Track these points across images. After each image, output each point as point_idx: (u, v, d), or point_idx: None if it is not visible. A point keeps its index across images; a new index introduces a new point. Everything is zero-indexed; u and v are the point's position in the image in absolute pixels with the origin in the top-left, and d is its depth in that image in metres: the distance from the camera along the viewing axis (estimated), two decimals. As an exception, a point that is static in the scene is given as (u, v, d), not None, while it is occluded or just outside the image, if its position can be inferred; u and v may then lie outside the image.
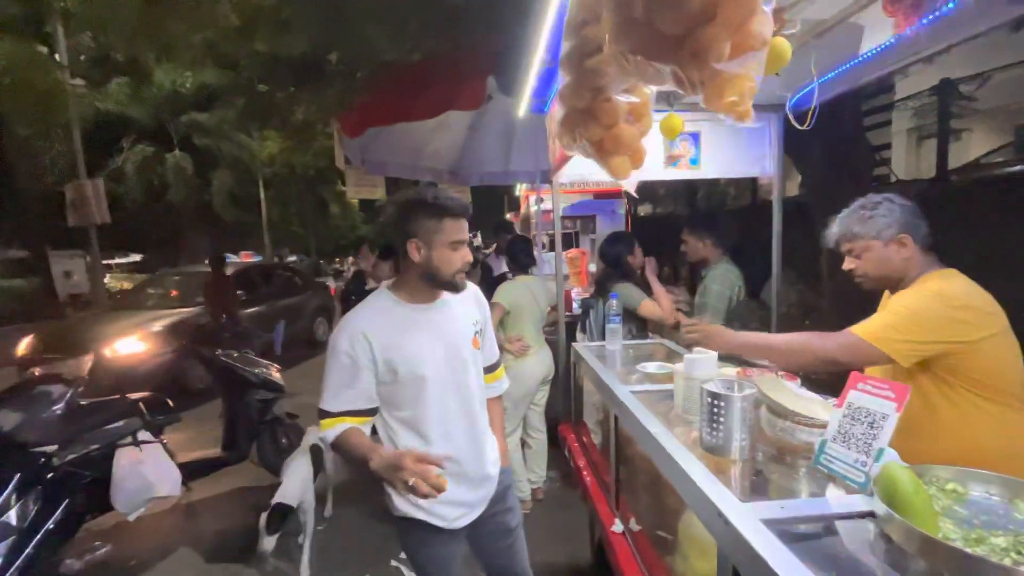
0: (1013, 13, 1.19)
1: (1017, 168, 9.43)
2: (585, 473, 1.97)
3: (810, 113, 1.58)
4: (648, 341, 2.50)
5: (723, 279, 2.55)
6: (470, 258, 1.33)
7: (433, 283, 1.33)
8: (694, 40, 0.85)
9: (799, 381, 1.27)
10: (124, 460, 2.30)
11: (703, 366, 1.27)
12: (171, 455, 3.07)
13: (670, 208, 16.31)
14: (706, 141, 2.34)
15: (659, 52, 0.92)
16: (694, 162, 2.34)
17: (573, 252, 5.02)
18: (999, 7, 1.20)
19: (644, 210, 15.67)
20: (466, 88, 2.32)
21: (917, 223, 1.38)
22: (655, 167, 2.33)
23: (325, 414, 1.31)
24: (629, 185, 1.42)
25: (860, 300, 4.56)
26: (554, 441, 3.17)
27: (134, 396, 2.93)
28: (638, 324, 2.81)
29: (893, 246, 1.38)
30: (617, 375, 1.82)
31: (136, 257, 23.46)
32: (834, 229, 1.50)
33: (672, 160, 1.88)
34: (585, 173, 2.26)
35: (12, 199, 11.12)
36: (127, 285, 16.49)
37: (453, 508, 1.37)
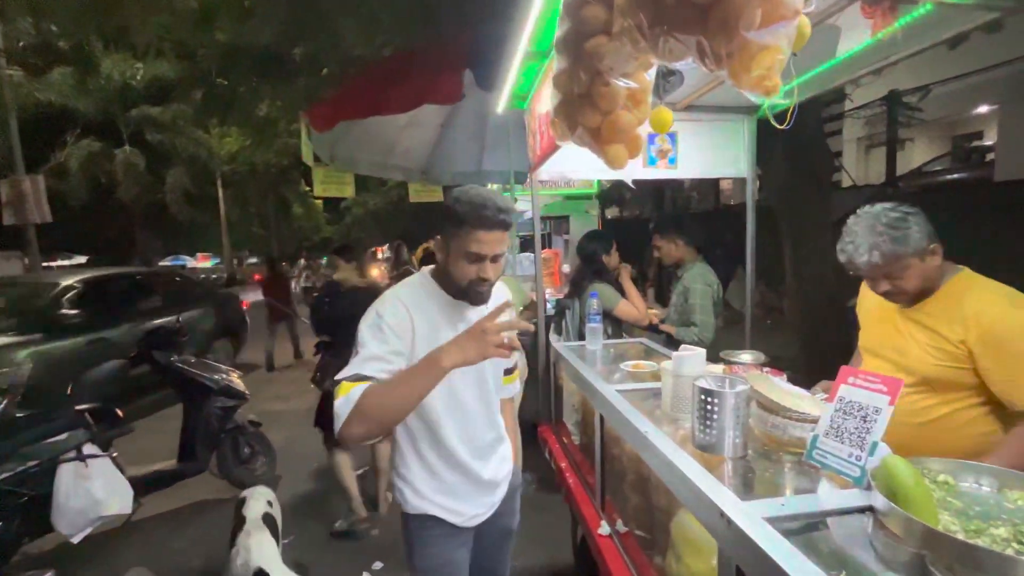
0: (986, 17, 1.24)
1: (955, 176, 10.11)
2: (568, 475, 1.94)
3: (789, 113, 1.61)
4: (628, 340, 2.50)
5: (703, 278, 2.59)
6: (490, 275, 1.21)
7: (450, 281, 1.25)
8: (722, 7, 0.81)
9: (785, 376, 1.28)
10: (68, 477, 2.10)
11: (692, 363, 1.25)
12: (121, 469, 2.86)
13: (636, 211, 16.68)
14: (683, 141, 2.36)
15: (683, 22, 0.86)
16: (672, 161, 2.35)
17: (546, 253, 5.02)
18: (972, 11, 1.24)
19: (611, 212, 15.95)
20: (442, 81, 2.26)
21: (931, 228, 1.32)
22: (635, 166, 2.32)
23: (354, 378, 1.11)
24: (626, 175, 1.37)
25: (820, 301, 4.70)
26: (528, 443, 3.16)
27: (80, 407, 2.71)
28: (614, 324, 2.81)
29: (928, 258, 1.31)
30: (600, 374, 1.80)
31: (81, 259, 22.09)
32: (861, 257, 1.34)
33: (662, 155, 1.85)
34: (567, 169, 2.24)
35: (-63, 195, 10.21)
36: (71, 288, 15.44)
37: (471, 506, 1.33)
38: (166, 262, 27.61)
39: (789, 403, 1.09)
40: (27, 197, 9.95)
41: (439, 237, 1.25)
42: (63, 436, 2.24)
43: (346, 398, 1.06)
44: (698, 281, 2.61)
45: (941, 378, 1.31)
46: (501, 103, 2.16)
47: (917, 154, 11.78)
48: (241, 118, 5.05)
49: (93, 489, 2.09)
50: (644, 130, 2.35)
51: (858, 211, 1.41)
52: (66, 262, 20.56)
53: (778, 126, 1.73)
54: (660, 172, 2.36)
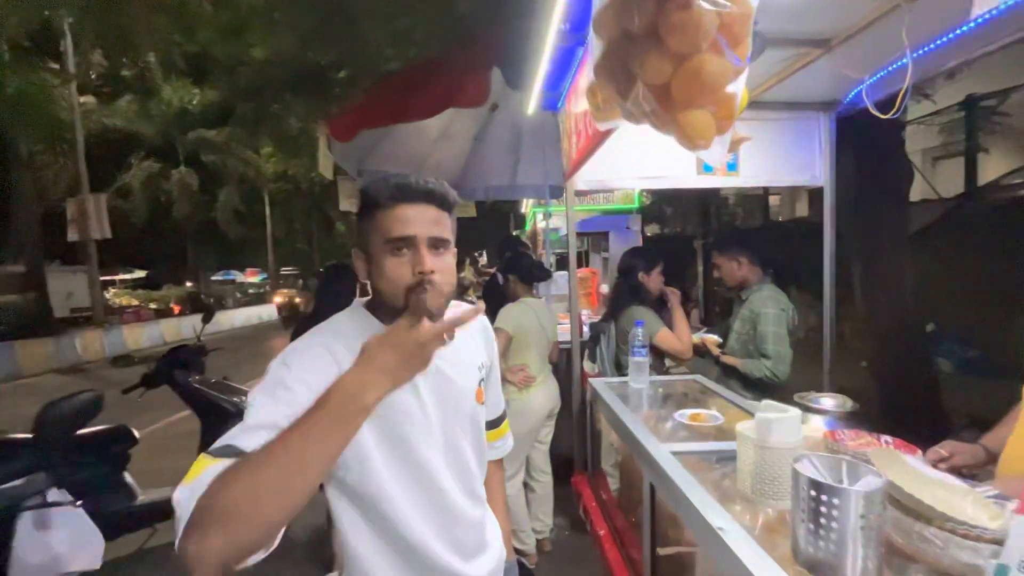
0: None
1: (1041, 189, 9.08)
2: (607, 544, 1.58)
3: (900, 97, 1.25)
4: (678, 377, 2.14)
5: (774, 301, 2.20)
6: (430, 265, 0.82)
7: (383, 315, 0.88)
8: None
9: (920, 453, 0.91)
10: (27, 527, 1.86)
11: (784, 429, 0.91)
12: (134, 493, 2.70)
13: (678, 228, 16.05)
14: (747, 143, 2.01)
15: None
16: (731, 167, 2.01)
17: (583, 272, 4.68)
18: None
19: (651, 230, 15.40)
20: (468, 83, 2.03)
21: None
22: (686, 174, 2.01)
23: (218, 452, 0.68)
24: (712, 157, 0.97)
25: (895, 326, 4.14)
26: (560, 482, 2.80)
27: (89, 430, 2.59)
28: (654, 355, 2.47)
29: None
30: (648, 425, 1.46)
31: (141, 273, 23.44)
32: None
33: (733, 150, 1.49)
34: (607, 177, 1.93)
35: (14, 215, 11.05)
36: (133, 301, 16.31)
37: None
38: (217, 277, 28.97)
39: (946, 506, 0.73)
40: (90, 215, 10.60)
41: (355, 250, 0.89)
42: (19, 481, 1.95)
43: (189, 487, 0.63)
44: (769, 305, 2.21)
45: None
46: (532, 102, 1.90)
47: (991, 166, 10.73)
48: (273, 132, 5.06)
49: (55, 542, 1.84)
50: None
51: None
52: (126, 276, 21.85)
53: (880, 116, 1.38)
54: (718, 180, 2.02)
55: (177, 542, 0.60)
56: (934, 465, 1.16)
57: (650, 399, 1.84)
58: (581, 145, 1.60)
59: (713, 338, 2.51)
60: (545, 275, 2.95)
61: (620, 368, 2.63)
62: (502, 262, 4.54)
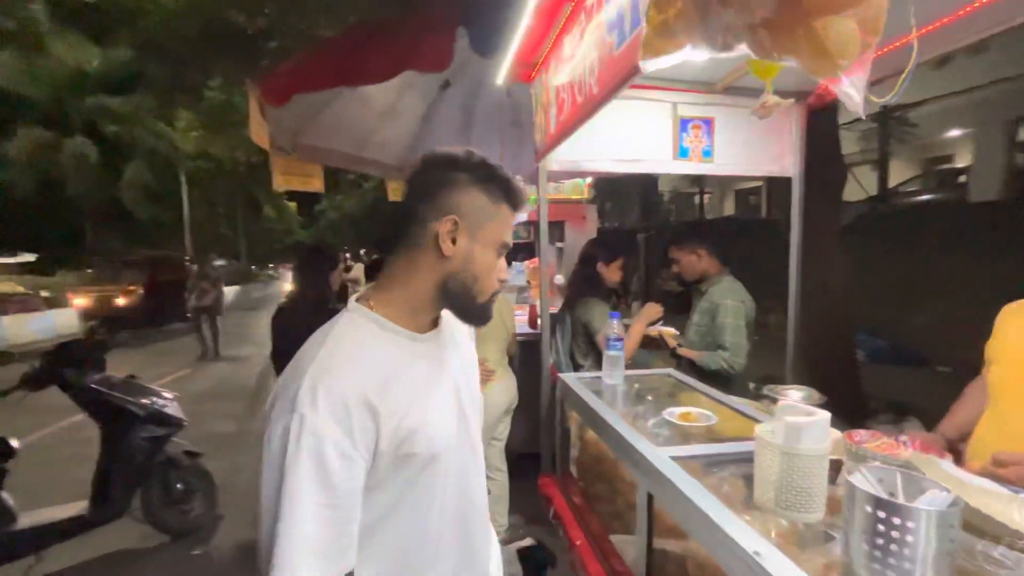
0: None
1: (930, 196, 10.19)
2: (585, 555, 1.46)
3: (899, 83, 1.20)
4: (652, 372, 2.06)
5: (733, 293, 2.19)
6: (505, 276, 0.83)
7: (454, 300, 0.78)
8: None
9: (951, 457, 0.85)
10: None
11: (815, 435, 0.81)
12: (13, 516, 2.25)
13: (617, 223, 16.50)
14: (720, 131, 1.95)
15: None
16: (707, 154, 1.94)
17: (534, 262, 4.56)
18: None
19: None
20: (428, 44, 1.80)
21: None
22: (662, 158, 1.91)
23: None
24: (854, 89, 0.72)
25: (824, 317, 4.39)
26: (516, 476, 2.74)
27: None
28: (595, 349, 2.43)
29: None
30: (635, 425, 1.34)
31: (30, 257, 20.52)
32: None
33: (766, 114, 1.32)
34: (580, 160, 1.79)
35: None
36: (17, 288, 14.17)
37: None
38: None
39: (1006, 518, 0.65)
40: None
41: (449, 218, 0.74)
42: None
43: None
44: (728, 297, 2.21)
45: None
46: (503, 70, 1.71)
47: (899, 172, 11.90)
48: (190, 102, 4.46)
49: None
50: (664, 120, 1.90)
51: None
52: (9, 259, 19.04)
53: (875, 100, 1.33)
54: (694, 166, 1.94)
55: None
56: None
57: (626, 395, 1.74)
58: (565, 117, 1.44)
59: (670, 331, 2.48)
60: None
61: (573, 359, 2.55)
62: None
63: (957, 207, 8.25)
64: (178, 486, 3.11)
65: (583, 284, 2.51)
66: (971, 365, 1.28)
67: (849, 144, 9.64)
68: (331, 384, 0.67)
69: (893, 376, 5.68)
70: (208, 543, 3.01)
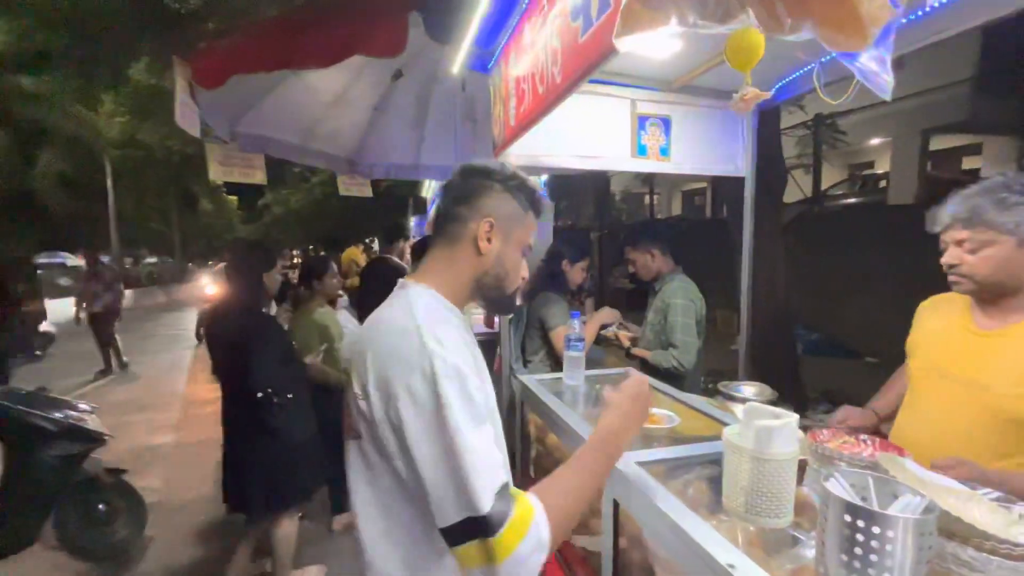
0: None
1: (856, 200, 10.98)
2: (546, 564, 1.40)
3: (854, 83, 1.22)
4: (611, 371, 2.04)
5: (684, 292, 2.22)
6: (526, 276, 0.94)
7: (487, 292, 0.89)
8: None
9: (909, 453, 0.86)
10: None
11: (785, 439, 0.79)
12: None
13: (570, 222, 16.71)
14: (677, 129, 1.96)
15: None
16: (664, 152, 1.94)
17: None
18: None
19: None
20: (379, 27, 1.68)
21: None
22: (621, 156, 1.89)
23: (490, 521, 0.67)
24: (876, 63, 0.70)
25: (769, 313, 4.61)
26: None
27: None
28: (549, 346, 2.41)
29: None
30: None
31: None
32: (950, 207, 1.09)
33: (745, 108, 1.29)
34: (540, 155, 1.73)
35: None
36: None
37: None
38: (42, 259, 23.71)
39: (973, 518, 0.65)
40: None
41: (487, 220, 0.85)
42: None
43: (534, 541, 0.68)
44: (679, 296, 2.23)
45: None
46: (459, 58, 1.62)
47: (830, 177, 12.75)
48: (112, 78, 4.03)
49: None
50: (623, 118, 1.88)
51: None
52: None
53: (831, 102, 1.36)
54: (652, 164, 1.94)
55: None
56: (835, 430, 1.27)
57: (587, 397, 1.70)
58: (525, 109, 1.38)
59: (625, 332, 2.48)
60: None
61: (524, 353, 2.52)
62: (388, 248, 4.16)
63: (878, 209, 8.93)
64: (99, 507, 2.82)
65: (546, 279, 2.47)
66: (896, 355, 1.38)
67: (787, 148, 10.23)
68: (447, 331, 0.76)
69: (827, 367, 6.05)
70: (134, 569, 2.75)
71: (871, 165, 13.38)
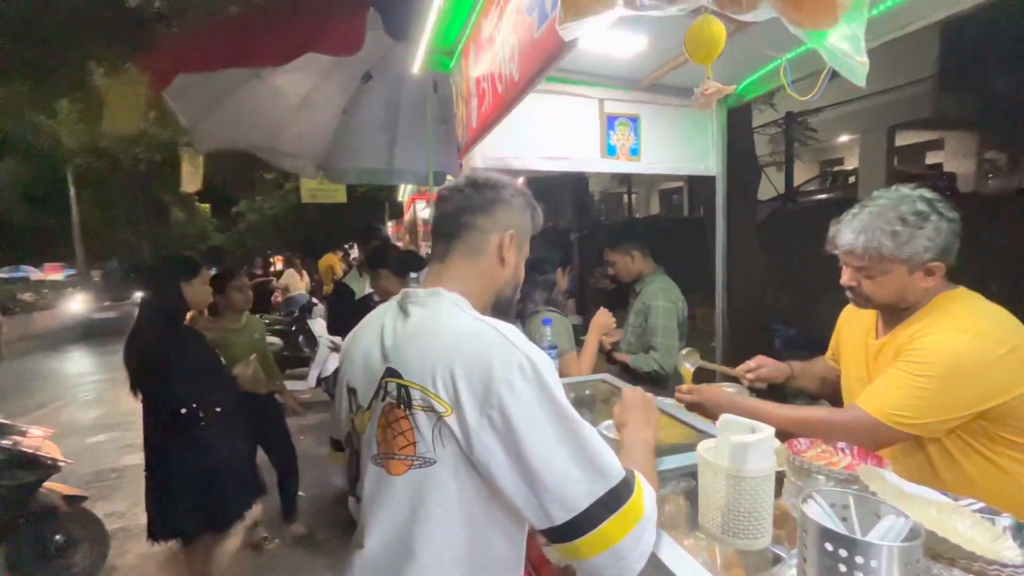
0: None
1: (827, 195, 11.24)
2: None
3: (821, 80, 1.20)
4: (586, 378, 1.98)
5: (665, 293, 2.17)
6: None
7: (502, 301, 0.92)
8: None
9: (890, 466, 0.82)
10: None
11: (761, 455, 0.74)
12: None
13: (550, 223, 16.72)
14: (647, 128, 1.92)
15: None
16: (634, 152, 1.90)
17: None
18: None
19: (529, 224, 15.74)
20: (334, 24, 1.60)
21: (952, 245, 1.05)
22: (590, 156, 1.85)
23: (625, 488, 0.70)
24: (847, 43, 0.66)
25: (745, 310, 4.64)
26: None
27: None
28: None
29: (919, 274, 1.06)
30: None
31: None
32: (847, 235, 1.12)
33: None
34: (506, 156, 1.68)
35: None
36: None
37: None
38: (2, 274, 22.70)
39: (957, 536, 0.61)
40: None
41: (511, 233, 0.89)
42: None
43: (649, 493, 0.74)
44: (659, 297, 2.18)
45: None
46: (419, 57, 1.56)
47: (803, 173, 13.01)
48: (68, 84, 3.84)
49: None
50: (592, 119, 1.85)
51: (894, 187, 1.13)
52: None
53: (799, 98, 1.33)
54: (621, 164, 1.90)
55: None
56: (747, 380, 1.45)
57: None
58: (486, 110, 1.32)
59: (607, 337, 2.38)
60: (420, 264, 2.61)
61: None
62: (364, 256, 4.00)
63: (849, 204, 9.11)
64: (56, 538, 2.65)
65: (538, 292, 2.14)
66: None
67: (760, 146, 10.40)
68: (511, 328, 0.76)
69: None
70: (95, 601, 2.59)
71: (841, 161, 13.70)
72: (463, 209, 0.88)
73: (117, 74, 3.60)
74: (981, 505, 0.71)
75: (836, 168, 13.59)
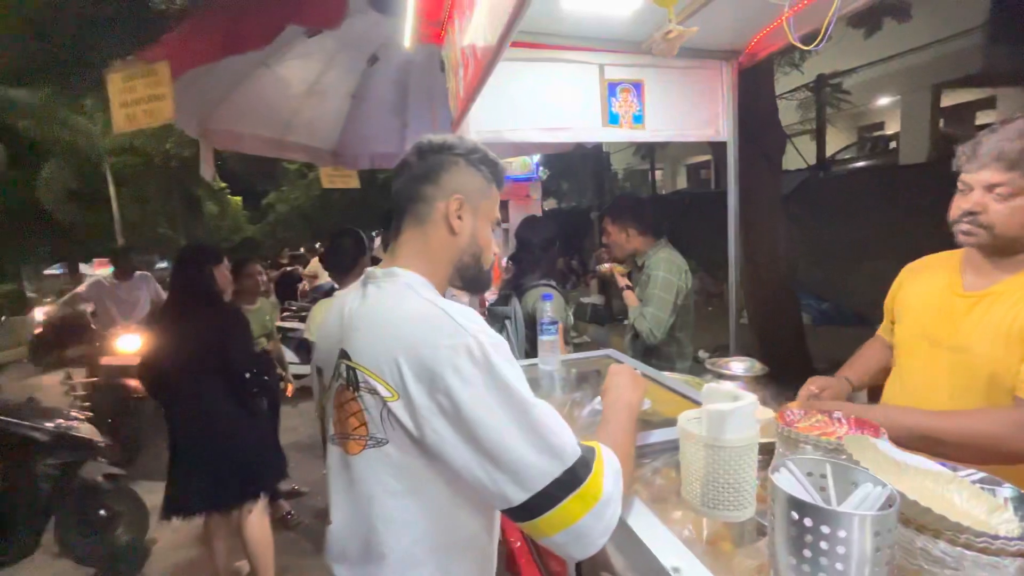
0: None
1: (866, 163, 10.64)
2: (521, 560, 1.35)
3: (823, 29, 1.11)
4: (591, 354, 1.95)
5: (668, 264, 2.06)
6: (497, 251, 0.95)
7: (466, 272, 0.86)
8: None
9: (884, 433, 0.77)
10: None
11: (740, 423, 0.71)
12: None
13: (574, 203, 16.47)
14: (650, 94, 1.84)
15: None
16: (637, 119, 1.83)
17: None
18: None
19: (548, 204, 15.61)
20: (316, -2, 1.58)
21: None
22: (591, 126, 1.78)
23: (582, 467, 0.68)
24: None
25: (772, 285, 4.45)
26: None
27: None
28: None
29: None
30: (572, 415, 1.23)
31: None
32: (991, 143, 0.93)
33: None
34: (502, 129, 1.63)
35: None
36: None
37: None
38: (53, 270, 24.04)
39: (946, 506, 0.56)
40: None
41: (456, 198, 0.82)
42: None
43: (612, 468, 0.72)
44: (661, 267, 2.05)
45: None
46: (407, 33, 1.52)
47: (837, 141, 12.36)
48: (88, 84, 3.96)
49: None
50: (593, 87, 1.78)
51: None
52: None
53: (803, 47, 1.24)
54: (624, 133, 1.83)
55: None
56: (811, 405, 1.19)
57: (563, 382, 1.63)
58: (469, 78, 1.28)
59: (620, 267, 2.31)
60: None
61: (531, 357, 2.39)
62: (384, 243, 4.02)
63: (888, 171, 8.62)
64: (99, 513, 2.83)
65: (532, 267, 2.22)
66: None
67: (789, 114, 9.90)
68: (466, 311, 0.73)
69: (837, 337, 5.90)
70: (137, 574, 2.76)
71: (880, 126, 12.92)
72: (409, 180, 0.84)
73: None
74: (982, 475, 0.66)
75: (875, 134, 12.85)
